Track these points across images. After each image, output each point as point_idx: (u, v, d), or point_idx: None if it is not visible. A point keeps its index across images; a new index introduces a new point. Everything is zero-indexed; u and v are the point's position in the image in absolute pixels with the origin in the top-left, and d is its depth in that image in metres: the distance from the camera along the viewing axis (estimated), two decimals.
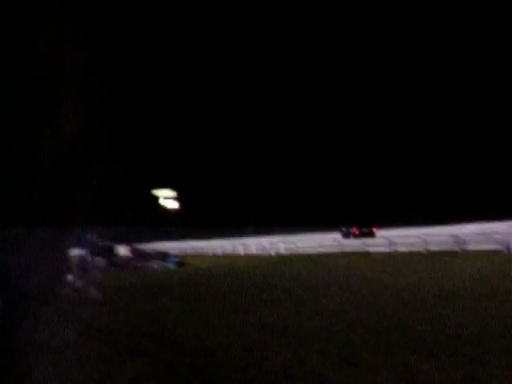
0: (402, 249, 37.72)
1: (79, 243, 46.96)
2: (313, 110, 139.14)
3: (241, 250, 57.59)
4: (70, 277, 40.91)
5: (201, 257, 57.75)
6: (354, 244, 43.97)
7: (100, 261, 43.83)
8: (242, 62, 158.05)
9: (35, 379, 3.05)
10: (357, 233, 58.57)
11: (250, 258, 47.01)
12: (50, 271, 3.34)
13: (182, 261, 43.71)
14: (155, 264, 42.78)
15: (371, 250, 40.49)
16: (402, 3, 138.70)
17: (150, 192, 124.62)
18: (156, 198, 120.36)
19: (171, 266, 41.79)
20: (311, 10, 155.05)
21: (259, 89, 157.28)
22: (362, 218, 67.25)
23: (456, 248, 35.02)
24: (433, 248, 36.06)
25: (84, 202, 3.24)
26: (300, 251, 48.79)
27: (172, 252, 53.01)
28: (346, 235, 58.82)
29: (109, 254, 44.87)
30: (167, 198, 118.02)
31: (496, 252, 31.29)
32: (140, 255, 44.77)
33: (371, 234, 55.76)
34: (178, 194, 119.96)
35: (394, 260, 30.84)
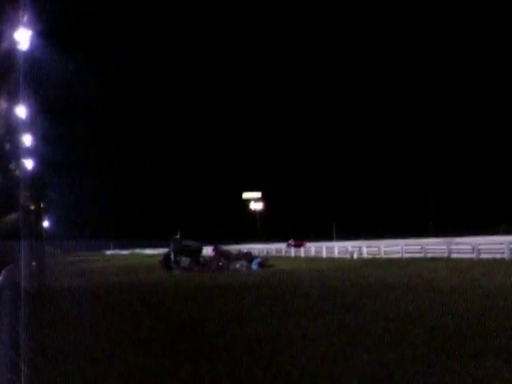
0: (485, 256, 37.20)
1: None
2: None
3: (323, 253, 57.74)
4: None
5: (283, 259, 58.22)
6: (438, 250, 43.56)
7: (184, 260, 44.64)
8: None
9: None
10: (293, 244, 75.33)
11: (331, 261, 47.18)
12: None
13: (264, 262, 44.20)
14: (238, 264, 43.35)
15: (455, 256, 40.10)
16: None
17: (235, 193, 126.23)
18: (243, 200, 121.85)
19: (254, 267, 42.32)
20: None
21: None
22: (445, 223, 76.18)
23: None
24: None
25: None
26: (383, 255, 48.64)
27: (256, 252, 53.61)
28: (288, 245, 75.59)
29: (194, 253, 45.69)
30: (255, 200, 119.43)
31: None
32: (224, 255, 45.46)
33: (302, 245, 70.82)
34: (263, 196, 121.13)
35: (476, 266, 30.54)
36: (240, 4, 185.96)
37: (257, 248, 72.95)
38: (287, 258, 59.55)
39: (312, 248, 62.51)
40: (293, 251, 66.41)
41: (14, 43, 22.05)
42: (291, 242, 78.59)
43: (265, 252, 71.12)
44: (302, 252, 63.34)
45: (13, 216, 37.82)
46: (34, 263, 34.08)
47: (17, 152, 34.93)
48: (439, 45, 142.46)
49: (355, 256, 51.38)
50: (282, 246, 76.05)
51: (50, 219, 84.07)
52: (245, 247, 69.03)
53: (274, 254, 70.56)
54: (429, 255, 42.97)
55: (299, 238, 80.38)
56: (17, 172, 37.50)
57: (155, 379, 9.32)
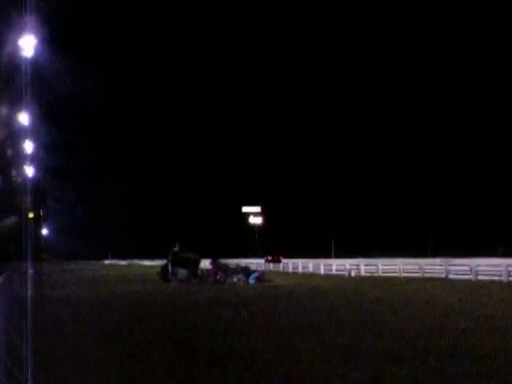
0: (483, 277, 37.17)
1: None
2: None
3: (321, 270, 57.67)
4: None
5: (281, 274, 58.17)
6: (436, 270, 43.59)
7: (182, 272, 44.45)
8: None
9: None
10: (270, 259, 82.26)
11: (329, 278, 47.12)
12: None
13: (262, 277, 44.10)
14: (236, 278, 43.19)
15: (453, 277, 40.07)
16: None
17: (235, 207, 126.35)
18: (242, 214, 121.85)
19: (252, 281, 42.21)
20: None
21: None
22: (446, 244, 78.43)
23: None
24: None
25: None
26: (381, 274, 48.60)
27: (254, 267, 53.49)
28: (266, 260, 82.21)
29: (192, 265, 45.50)
30: (254, 215, 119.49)
31: None
32: (222, 269, 45.32)
33: (279, 261, 77.70)
34: (262, 210, 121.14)
35: (473, 288, 30.51)
36: (240, 8, 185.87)
37: (255, 262, 73.02)
38: (285, 274, 59.49)
39: (310, 264, 62.45)
40: (290, 267, 66.45)
41: (18, 50, 22.14)
42: (269, 257, 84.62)
43: (262, 267, 71.15)
44: (300, 268, 63.29)
45: (10, 221, 37.81)
46: (31, 271, 34.03)
47: (18, 158, 34.99)
48: (440, 55, 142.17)
49: (353, 274, 51.31)
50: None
51: (48, 227, 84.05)
52: (243, 261, 69.05)
53: (271, 268, 70.66)
54: (426, 275, 42.98)
55: (276, 253, 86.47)
56: (18, 179, 37.53)
57: None
